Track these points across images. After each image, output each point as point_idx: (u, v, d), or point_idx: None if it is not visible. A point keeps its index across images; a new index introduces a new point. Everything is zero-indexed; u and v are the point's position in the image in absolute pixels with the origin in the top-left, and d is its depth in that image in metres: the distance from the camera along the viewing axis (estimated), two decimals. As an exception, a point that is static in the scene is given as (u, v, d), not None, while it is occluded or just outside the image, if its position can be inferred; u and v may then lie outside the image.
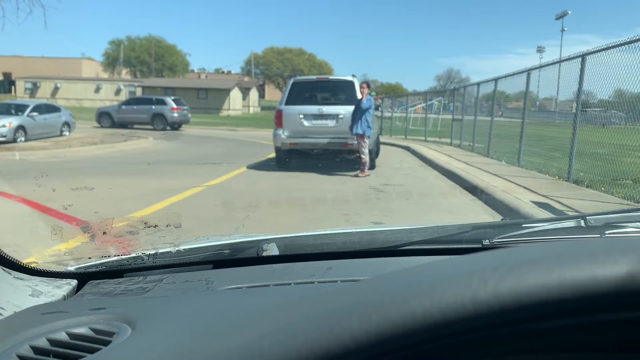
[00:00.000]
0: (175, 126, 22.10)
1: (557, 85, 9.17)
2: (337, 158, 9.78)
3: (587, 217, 1.27)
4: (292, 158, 9.45)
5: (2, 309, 0.87)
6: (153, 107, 22.02)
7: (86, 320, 0.80)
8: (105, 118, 22.29)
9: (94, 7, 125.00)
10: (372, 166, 9.39)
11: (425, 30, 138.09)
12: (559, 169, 8.20)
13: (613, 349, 0.47)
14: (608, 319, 0.40)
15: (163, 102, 22.24)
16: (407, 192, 7.13)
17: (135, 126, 21.88)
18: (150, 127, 21.61)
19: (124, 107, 22.63)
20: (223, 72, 76.52)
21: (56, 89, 42.64)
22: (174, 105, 22.00)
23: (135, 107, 22.33)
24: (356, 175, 8.34)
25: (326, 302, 0.44)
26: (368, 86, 8.59)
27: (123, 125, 21.78)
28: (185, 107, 22.86)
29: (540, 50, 59.77)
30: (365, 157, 8.48)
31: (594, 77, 7.25)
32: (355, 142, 8.66)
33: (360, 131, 8.46)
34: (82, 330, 0.76)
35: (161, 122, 21.76)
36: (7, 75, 50.93)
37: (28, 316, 0.85)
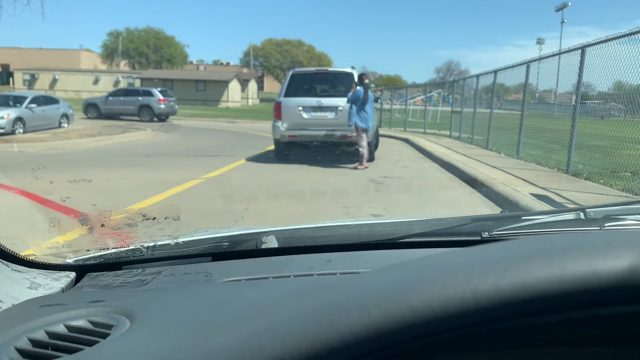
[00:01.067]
0: (162, 117, 22.00)
1: (556, 77, 9.15)
2: (336, 150, 9.78)
3: (586, 210, 1.27)
4: (291, 150, 9.44)
5: (0, 301, 0.87)
6: (140, 98, 21.95)
7: (84, 312, 0.79)
8: (92, 109, 22.14)
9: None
10: (372, 158, 9.38)
11: (425, 22, 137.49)
12: (558, 161, 8.21)
13: (615, 343, 0.47)
14: (610, 312, 0.40)
15: (150, 94, 22.16)
16: (407, 184, 7.14)
17: (122, 117, 21.71)
18: (137, 118, 21.55)
19: (110, 98, 22.52)
20: (222, 64, 76.17)
21: (54, 80, 42.46)
22: (161, 97, 21.93)
23: (122, 98, 22.23)
24: (355, 168, 8.35)
25: (326, 295, 0.44)
26: (367, 78, 8.57)
27: (110, 116, 21.63)
28: (172, 99, 22.79)
29: (539, 42, 59.54)
30: (363, 150, 8.47)
31: (594, 69, 7.24)
32: (355, 134, 8.67)
33: (361, 125, 8.45)
34: (81, 323, 0.76)
35: (148, 114, 21.67)
36: (5, 67, 50.66)
37: (26, 309, 0.85)
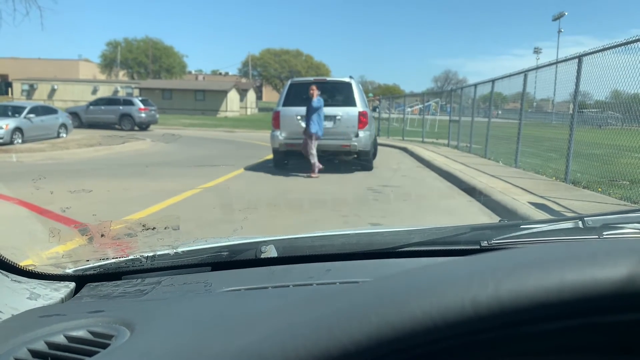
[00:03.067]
0: (143, 126, 22.06)
1: (554, 86, 9.21)
2: (334, 159, 9.80)
3: (585, 218, 1.27)
4: (289, 159, 9.45)
5: (0, 312, 0.86)
6: (121, 107, 22.05)
7: (84, 323, 0.79)
8: (74, 118, 21.91)
9: (91, 9, 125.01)
10: (370, 167, 9.41)
11: (423, 32, 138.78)
12: (556, 169, 8.22)
13: (615, 351, 0.47)
14: (609, 321, 0.40)
15: (131, 103, 22.32)
16: (405, 193, 7.14)
17: (103, 126, 21.65)
18: (118, 127, 21.60)
19: (92, 107, 22.56)
20: (220, 74, 76.44)
21: (53, 90, 42.54)
22: (142, 106, 22.03)
23: (103, 107, 22.30)
24: (309, 176, 8.37)
25: (325, 304, 0.44)
26: (317, 88, 8.65)
27: (91, 125, 21.60)
28: (153, 108, 22.92)
29: (537, 51, 59.98)
30: (314, 159, 8.51)
31: (591, 78, 7.28)
32: (353, 143, 8.74)
33: (312, 131, 8.52)
34: (81, 333, 0.76)
35: (129, 123, 21.75)
36: (4, 77, 50.79)
37: (26, 319, 0.85)
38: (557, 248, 0.45)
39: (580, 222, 1.26)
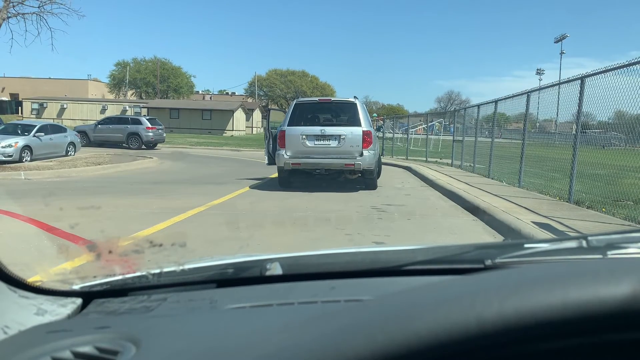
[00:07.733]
0: (151, 145, 22.26)
1: (556, 107, 9.26)
2: (339, 178, 9.84)
3: (588, 238, 1.25)
4: (294, 178, 9.50)
5: (7, 327, 0.87)
6: (128, 126, 22.34)
7: (91, 339, 0.79)
8: (82, 137, 21.84)
9: (101, 30, 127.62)
10: (374, 186, 9.44)
11: (426, 54, 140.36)
12: (560, 189, 8.20)
13: None
14: (613, 339, 0.40)
15: (138, 122, 22.61)
16: (409, 212, 7.14)
17: (111, 145, 21.81)
18: (126, 146, 21.79)
19: (100, 126, 22.84)
20: (227, 94, 77.07)
21: (62, 109, 43.10)
22: (149, 125, 22.32)
23: (110, 126, 22.57)
24: None
25: (331, 321, 0.45)
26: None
27: (99, 144, 21.83)
28: (160, 127, 23.22)
29: (539, 72, 60.36)
30: None
31: (593, 99, 7.30)
32: (357, 162, 8.85)
33: None
34: (87, 349, 0.76)
35: (136, 141, 22.00)
36: (14, 96, 51.61)
37: (33, 335, 0.85)
38: (560, 267, 0.45)
39: (584, 241, 1.25)
